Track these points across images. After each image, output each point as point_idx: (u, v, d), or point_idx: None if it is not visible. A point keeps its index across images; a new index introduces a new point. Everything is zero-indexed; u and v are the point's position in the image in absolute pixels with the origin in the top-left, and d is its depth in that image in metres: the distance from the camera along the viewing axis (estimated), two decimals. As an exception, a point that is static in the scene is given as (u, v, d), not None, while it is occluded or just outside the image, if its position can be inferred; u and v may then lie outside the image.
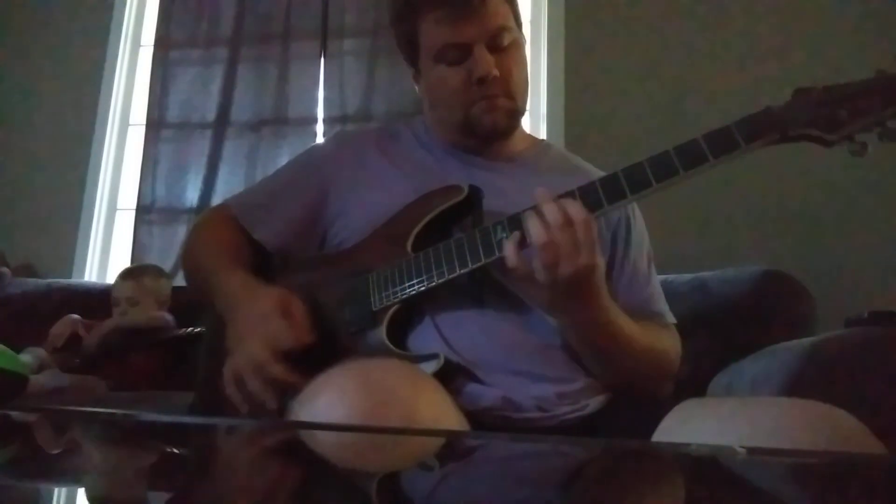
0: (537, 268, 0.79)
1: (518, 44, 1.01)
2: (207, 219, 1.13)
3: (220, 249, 1.04)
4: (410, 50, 1.03)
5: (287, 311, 0.88)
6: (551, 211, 0.79)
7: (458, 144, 1.05)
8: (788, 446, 0.60)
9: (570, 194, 0.83)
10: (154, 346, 1.97)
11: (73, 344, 1.96)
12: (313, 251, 1.07)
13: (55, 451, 0.59)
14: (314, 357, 0.86)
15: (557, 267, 0.78)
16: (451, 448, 0.60)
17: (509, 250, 0.81)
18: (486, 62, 0.95)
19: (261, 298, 0.90)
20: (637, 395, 0.94)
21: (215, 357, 1.07)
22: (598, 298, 0.84)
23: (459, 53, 0.96)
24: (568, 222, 0.78)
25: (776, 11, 2.25)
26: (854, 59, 2.03)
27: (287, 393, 0.82)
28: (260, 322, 0.87)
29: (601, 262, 0.82)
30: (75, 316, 2.02)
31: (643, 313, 0.98)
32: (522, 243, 0.82)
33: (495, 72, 0.95)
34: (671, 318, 1.03)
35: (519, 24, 1.02)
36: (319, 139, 2.49)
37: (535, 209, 0.81)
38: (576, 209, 0.79)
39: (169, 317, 2.00)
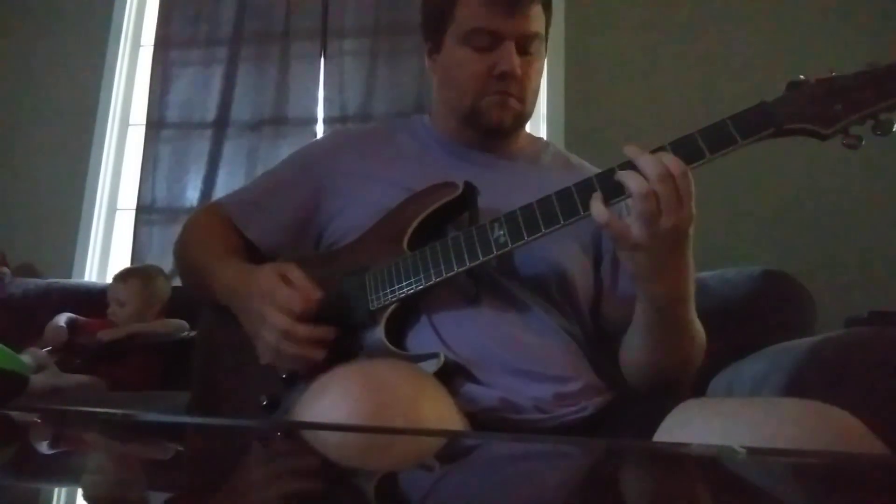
0: (634, 221, 0.77)
1: (541, 55, 1.02)
2: (199, 217, 1.13)
3: (213, 244, 1.04)
4: (437, 24, 1.02)
5: (286, 278, 0.90)
6: (650, 162, 0.76)
7: (456, 135, 1.06)
8: (789, 446, 0.60)
9: (662, 148, 0.81)
10: (154, 347, 1.97)
11: (73, 344, 1.97)
12: (308, 250, 1.07)
13: (55, 451, 0.59)
14: (328, 316, 0.89)
15: (658, 219, 0.76)
16: (452, 448, 0.60)
17: (597, 207, 0.78)
18: (512, 59, 0.96)
19: (259, 277, 0.91)
20: (660, 391, 0.93)
21: (210, 357, 1.07)
22: (689, 265, 0.83)
23: (489, 42, 0.97)
24: (668, 173, 0.75)
25: (776, 14, 2.25)
26: (857, 54, 2.03)
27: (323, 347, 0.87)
28: (268, 297, 0.88)
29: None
30: (65, 317, 2.02)
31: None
32: (606, 201, 0.79)
33: (518, 71, 0.96)
34: None
35: (546, 37, 1.03)
36: (319, 139, 2.50)
37: (628, 164, 0.79)
38: (674, 161, 0.77)
39: (184, 324, 2.01)
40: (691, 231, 0.80)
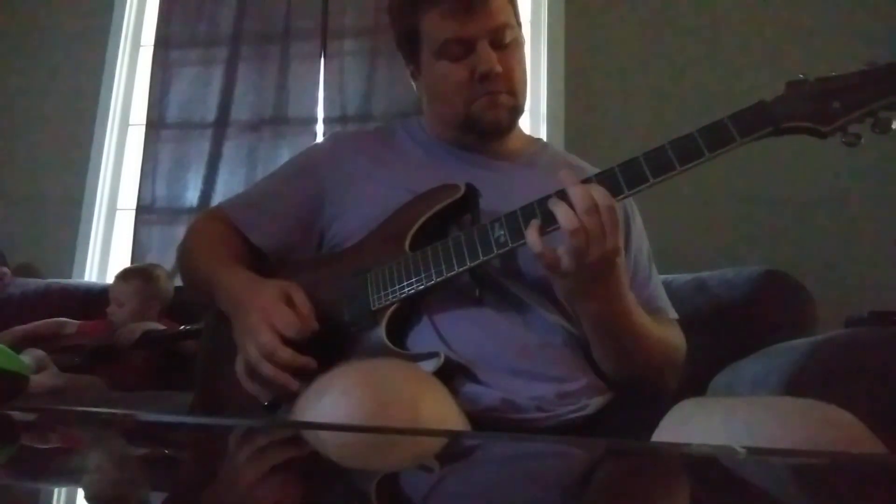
0: (564, 254, 0.79)
1: (518, 42, 1.02)
2: (202, 221, 1.13)
3: (218, 249, 1.04)
4: (410, 46, 1.04)
5: (290, 300, 0.89)
6: (579, 195, 0.78)
7: (456, 141, 1.06)
8: (788, 446, 0.60)
9: (589, 179, 0.83)
10: (152, 345, 1.97)
11: (71, 345, 1.97)
12: (310, 253, 1.07)
13: (55, 451, 0.59)
14: (320, 346, 0.87)
15: (586, 252, 0.78)
16: (453, 448, 0.60)
17: (532, 237, 0.80)
18: (489, 58, 0.96)
19: (264, 291, 0.90)
20: (643, 392, 0.94)
21: (214, 356, 1.07)
22: (620, 286, 0.85)
23: (462, 49, 0.97)
24: (595, 207, 0.78)
25: (775, 13, 2.25)
26: (849, 55, 2.03)
27: (303, 377, 0.83)
28: (265, 313, 0.87)
29: (622, 246, 0.82)
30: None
31: (646, 309, 0.98)
32: (542, 230, 0.81)
33: (498, 68, 0.97)
34: (674, 314, 1.04)
35: (519, 23, 1.03)
36: (319, 139, 2.49)
37: (561, 195, 0.81)
38: (601, 194, 0.79)
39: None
40: (619, 261, 0.82)
